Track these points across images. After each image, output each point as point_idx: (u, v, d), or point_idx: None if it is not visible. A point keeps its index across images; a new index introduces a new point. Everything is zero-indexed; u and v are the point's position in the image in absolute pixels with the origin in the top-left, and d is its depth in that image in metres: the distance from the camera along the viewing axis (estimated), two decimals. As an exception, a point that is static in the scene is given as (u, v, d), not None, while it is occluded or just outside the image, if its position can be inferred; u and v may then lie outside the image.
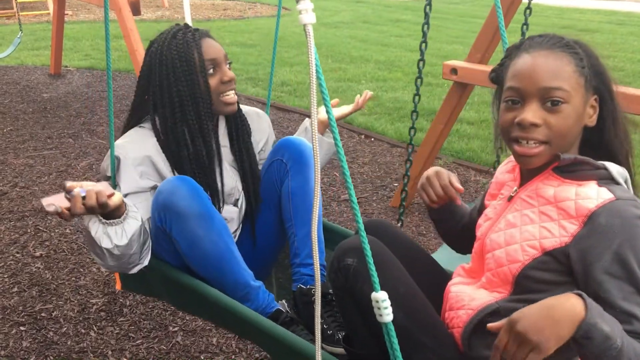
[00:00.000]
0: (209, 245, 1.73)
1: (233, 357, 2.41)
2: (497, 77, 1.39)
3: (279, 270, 2.20)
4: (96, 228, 1.62)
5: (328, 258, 1.89)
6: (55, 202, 1.52)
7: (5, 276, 2.92)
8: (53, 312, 2.66)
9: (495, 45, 3.36)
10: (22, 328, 2.55)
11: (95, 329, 2.55)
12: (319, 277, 1.16)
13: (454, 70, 3.33)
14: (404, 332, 1.29)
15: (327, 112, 1.07)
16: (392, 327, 1.12)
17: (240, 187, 1.99)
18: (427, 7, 2.55)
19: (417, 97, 2.56)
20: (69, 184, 1.54)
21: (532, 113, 1.24)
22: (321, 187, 4.04)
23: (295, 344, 1.50)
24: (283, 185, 1.98)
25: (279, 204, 2.00)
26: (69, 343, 2.46)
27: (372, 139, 5.04)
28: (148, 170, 1.83)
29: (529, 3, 2.80)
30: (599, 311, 1.08)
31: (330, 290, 1.70)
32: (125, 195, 1.76)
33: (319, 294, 1.18)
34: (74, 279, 2.91)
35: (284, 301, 1.91)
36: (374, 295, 1.11)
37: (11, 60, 7.47)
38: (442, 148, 4.22)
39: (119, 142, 1.83)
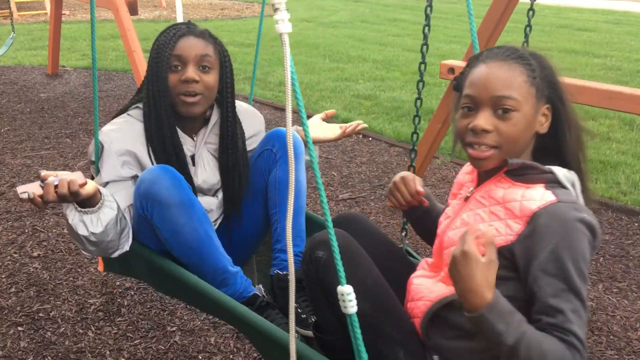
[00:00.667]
0: (189, 233, 1.78)
1: (231, 356, 2.41)
2: (458, 85, 1.46)
3: (260, 257, 2.26)
4: (72, 216, 1.68)
5: None
6: (29, 189, 1.58)
7: (3, 276, 2.91)
8: (51, 312, 2.66)
9: (492, 44, 3.36)
10: (19, 328, 2.55)
11: (93, 329, 2.55)
12: (293, 267, 1.21)
13: (452, 70, 3.34)
14: (369, 321, 1.37)
15: (305, 134, 1.14)
16: (355, 319, 1.19)
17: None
18: (428, 8, 2.54)
19: (419, 101, 2.54)
20: (43, 172, 1.59)
21: (484, 120, 1.33)
22: (317, 186, 4.04)
23: (266, 329, 1.57)
24: (271, 174, 2.03)
25: (265, 192, 2.05)
26: (66, 343, 2.46)
27: (370, 139, 5.04)
28: (130, 161, 1.89)
29: (532, 4, 2.80)
30: (503, 312, 1.19)
31: None
32: (107, 183, 1.83)
33: (293, 285, 1.22)
34: (71, 279, 2.91)
35: (260, 286, 1.96)
36: (339, 288, 1.18)
37: (8, 60, 7.46)
38: (440, 147, 4.22)
39: (106, 129, 1.90)
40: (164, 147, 1.91)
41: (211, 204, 2.01)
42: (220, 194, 2.04)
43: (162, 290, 2.10)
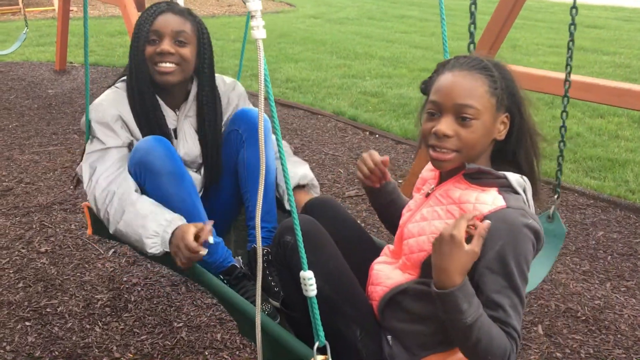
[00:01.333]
0: (178, 202, 1.90)
1: (237, 352, 2.42)
2: (425, 89, 1.54)
3: (242, 231, 2.34)
4: (154, 247, 1.85)
5: None
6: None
7: (11, 272, 2.93)
8: (58, 307, 2.67)
9: (500, 41, 3.35)
10: (27, 323, 2.56)
11: (100, 325, 2.56)
12: (261, 251, 1.34)
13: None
14: (330, 302, 1.49)
15: (277, 140, 1.27)
16: (315, 301, 1.32)
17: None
18: (472, 6, 2.52)
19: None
20: (209, 237, 1.77)
21: (446, 125, 1.42)
22: (323, 183, 4.04)
23: (237, 302, 1.71)
24: (239, 155, 2.13)
25: (236, 171, 2.16)
26: (74, 338, 2.47)
27: (377, 136, 5.03)
28: (124, 125, 2.02)
29: (574, 2, 2.78)
30: (468, 293, 1.30)
31: None
32: (109, 148, 1.98)
33: (260, 266, 1.34)
34: (79, 274, 2.92)
35: (239, 258, 2.07)
36: (302, 273, 1.32)
37: (16, 56, 7.49)
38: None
39: (97, 102, 2.05)
40: (148, 118, 2.02)
41: (194, 179, 2.11)
42: (202, 171, 2.15)
43: (149, 258, 2.21)
